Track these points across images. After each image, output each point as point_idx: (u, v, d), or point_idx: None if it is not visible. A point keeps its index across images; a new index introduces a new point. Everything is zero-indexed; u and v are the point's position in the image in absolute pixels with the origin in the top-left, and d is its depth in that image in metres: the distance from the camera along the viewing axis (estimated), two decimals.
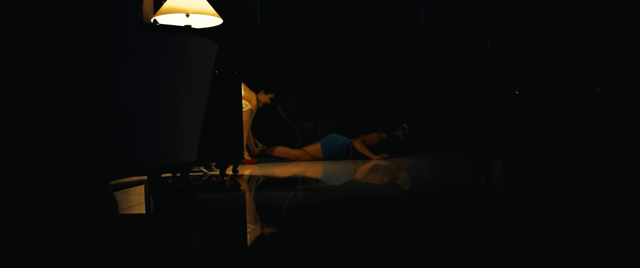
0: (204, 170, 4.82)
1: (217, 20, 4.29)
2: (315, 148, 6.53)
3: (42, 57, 1.57)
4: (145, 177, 4.12)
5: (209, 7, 4.14)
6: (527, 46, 6.63)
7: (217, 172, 4.66)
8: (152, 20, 4.09)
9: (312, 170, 5.05)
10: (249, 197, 3.28)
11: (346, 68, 8.85)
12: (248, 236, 2.04)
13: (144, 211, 2.69)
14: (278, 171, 5.05)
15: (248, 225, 2.30)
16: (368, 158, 6.32)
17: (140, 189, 3.60)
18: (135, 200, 3.10)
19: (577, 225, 2.07)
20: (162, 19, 4.12)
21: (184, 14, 4.11)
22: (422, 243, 1.84)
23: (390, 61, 8.85)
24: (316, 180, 4.26)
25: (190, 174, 4.51)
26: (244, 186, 3.83)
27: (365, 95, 8.83)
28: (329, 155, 6.48)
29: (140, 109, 2.57)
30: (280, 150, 6.61)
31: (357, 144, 6.42)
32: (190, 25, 4.15)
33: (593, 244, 1.74)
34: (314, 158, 6.52)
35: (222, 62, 4.01)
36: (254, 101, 6.08)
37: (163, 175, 4.31)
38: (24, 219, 1.67)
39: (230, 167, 4.51)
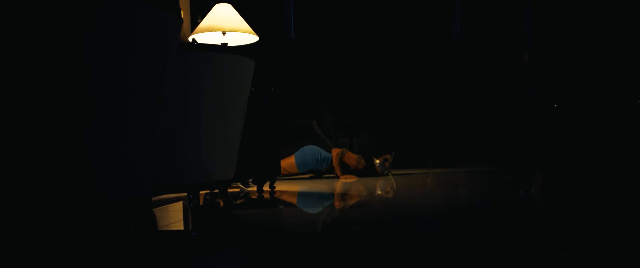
0: (242, 186, 4.85)
1: (253, 38, 4.34)
2: (288, 161, 6.14)
3: (83, 77, 1.60)
4: (184, 194, 4.17)
5: (245, 25, 4.18)
6: (566, 58, 6.53)
7: (255, 188, 4.68)
8: (190, 39, 4.15)
9: (348, 186, 5.04)
10: (286, 213, 3.28)
11: (381, 82, 8.84)
12: (287, 252, 2.04)
13: (182, 228, 2.72)
14: (314, 187, 5.05)
15: (287, 240, 2.30)
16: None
17: (179, 205, 3.64)
18: (174, 217, 3.13)
19: (621, 241, 2.02)
20: (199, 37, 4.19)
21: (221, 32, 4.17)
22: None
23: (425, 74, 8.81)
24: (358, 195, 4.25)
25: (228, 190, 4.54)
26: (281, 202, 3.84)
27: (401, 109, 8.80)
28: (303, 167, 6.14)
29: (180, 127, 2.61)
30: None
31: (334, 155, 6.07)
32: (227, 43, 4.21)
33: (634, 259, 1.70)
34: (288, 173, 6.16)
35: (258, 79, 4.06)
36: None
37: (201, 192, 4.35)
38: (66, 235, 1.70)
39: (267, 183, 4.53)
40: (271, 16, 8.53)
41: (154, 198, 3.91)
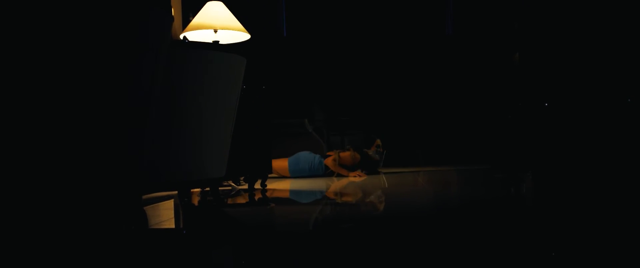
0: (233, 184, 4.84)
1: (244, 36, 4.33)
2: (281, 164, 6.05)
3: (77, 78, 1.60)
4: (175, 192, 4.16)
5: (237, 23, 4.18)
6: (557, 56, 6.56)
7: (246, 186, 4.68)
8: (181, 37, 4.14)
9: (341, 183, 5.05)
10: (278, 211, 3.28)
11: (373, 81, 8.85)
12: (278, 250, 2.04)
13: (173, 226, 2.71)
14: (305, 185, 5.05)
15: (278, 238, 2.30)
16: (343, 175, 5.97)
17: (170, 203, 3.63)
18: (165, 215, 3.13)
19: (611, 238, 2.03)
20: (191, 35, 4.17)
21: (213, 30, 4.16)
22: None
23: (417, 72, 8.82)
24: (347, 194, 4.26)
25: (219, 188, 4.53)
26: (272, 200, 3.84)
27: (393, 107, 8.81)
28: (296, 174, 6.05)
29: (169, 125, 2.60)
30: None
31: (330, 163, 6.00)
32: (219, 41, 4.20)
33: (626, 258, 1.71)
34: (278, 175, 6.07)
35: (249, 77, 4.05)
36: None
37: (192, 190, 4.34)
38: (57, 233, 1.70)
39: (259, 181, 4.52)
40: (263, 14, 8.52)
41: (144, 196, 3.90)
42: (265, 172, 4.42)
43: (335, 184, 5.00)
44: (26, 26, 1.49)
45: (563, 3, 6.57)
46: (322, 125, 8.20)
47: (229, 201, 3.79)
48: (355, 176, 5.84)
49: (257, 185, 4.59)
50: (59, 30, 1.54)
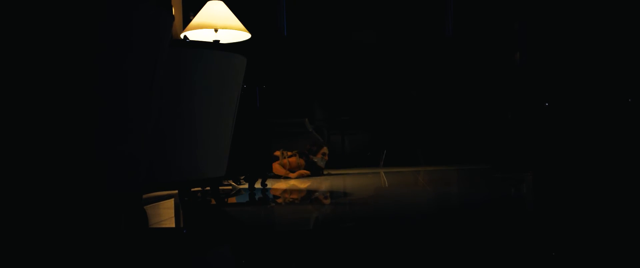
0: (233, 183, 4.84)
1: (245, 35, 4.33)
2: None
3: (73, 76, 1.59)
4: (175, 191, 4.16)
5: (237, 22, 4.17)
6: (557, 56, 6.55)
7: (246, 186, 4.68)
8: (181, 36, 4.14)
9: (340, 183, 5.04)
10: (278, 211, 3.28)
11: (374, 81, 8.85)
12: (278, 249, 2.04)
13: (173, 225, 2.71)
14: (306, 185, 5.05)
15: (278, 238, 2.30)
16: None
17: (170, 203, 3.63)
18: (165, 214, 3.12)
19: (611, 239, 2.03)
20: (191, 34, 4.17)
21: (213, 30, 4.16)
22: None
23: (417, 73, 8.82)
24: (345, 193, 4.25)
25: (220, 188, 4.53)
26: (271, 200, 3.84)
27: (393, 107, 8.80)
28: None
29: (171, 124, 2.60)
30: None
31: (280, 170, 5.80)
32: (219, 41, 4.20)
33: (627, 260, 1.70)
34: None
35: (250, 77, 4.05)
36: None
37: (193, 189, 4.34)
38: (56, 233, 1.70)
39: (259, 181, 4.52)
40: (264, 14, 8.51)
41: (145, 196, 3.90)
42: (265, 171, 4.42)
43: (336, 183, 5.00)
44: (45, 29, 1.49)
45: (564, 3, 6.56)
46: (323, 124, 8.19)
47: (229, 200, 3.79)
48: (297, 177, 5.75)
49: (258, 185, 4.59)
50: (59, 32, 1.54)
